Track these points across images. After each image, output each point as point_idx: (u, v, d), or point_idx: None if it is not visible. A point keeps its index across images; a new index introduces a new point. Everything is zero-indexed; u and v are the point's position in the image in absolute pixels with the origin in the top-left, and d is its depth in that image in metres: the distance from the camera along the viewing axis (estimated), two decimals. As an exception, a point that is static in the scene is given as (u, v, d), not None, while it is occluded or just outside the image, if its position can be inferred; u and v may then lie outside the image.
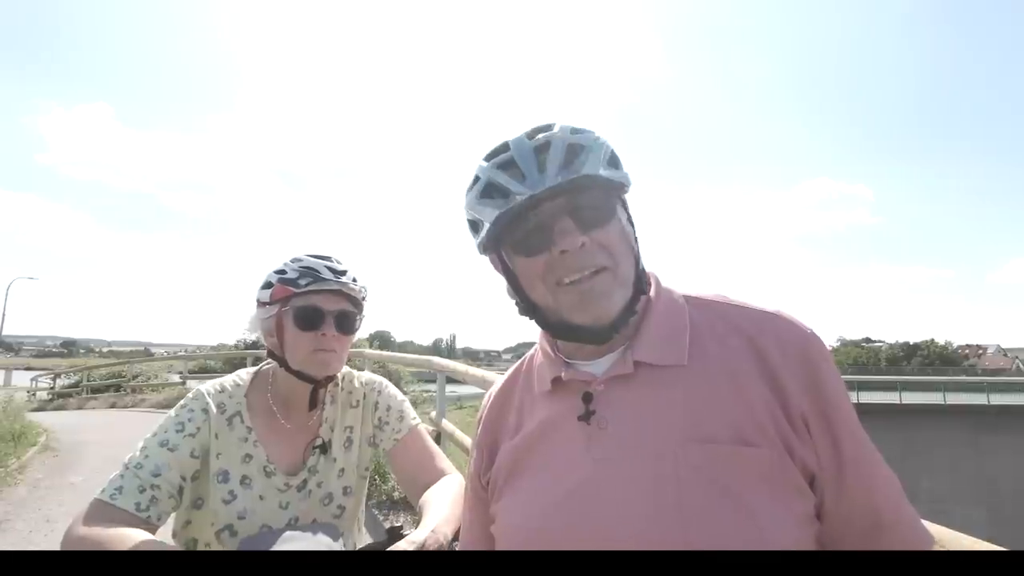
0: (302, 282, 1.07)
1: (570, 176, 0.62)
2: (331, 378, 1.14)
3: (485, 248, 0.71)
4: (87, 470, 6.01)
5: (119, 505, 0.95)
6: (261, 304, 1.11)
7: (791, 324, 0.65)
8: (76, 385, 15.87)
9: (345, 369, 1.23)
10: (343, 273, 1.11)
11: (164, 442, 1.02)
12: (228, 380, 1.14)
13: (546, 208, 0.64)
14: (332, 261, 1.12)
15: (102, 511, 0.94)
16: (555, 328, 0.68)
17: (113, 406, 12.70)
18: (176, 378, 14.62)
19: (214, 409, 1.08)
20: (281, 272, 1.10)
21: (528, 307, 0.69)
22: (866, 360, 65.47)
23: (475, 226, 0.70)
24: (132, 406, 12.24)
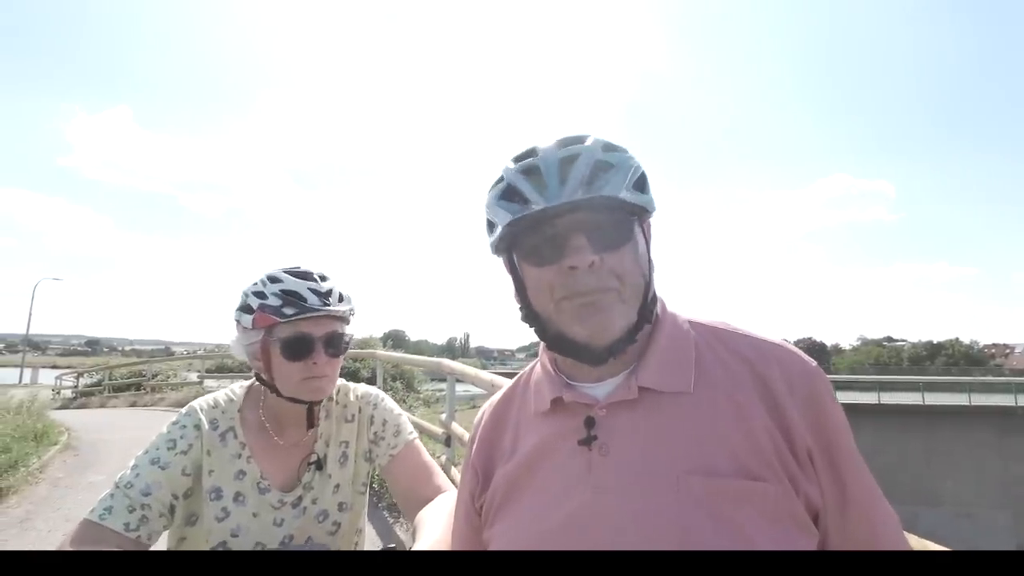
0: (288, 311, 1.02)
1: (590, 194, 0.61)
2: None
3: (497, 250, 0.70)
4: (107, 469, 6.12)
5: (108, 525, 0.93)
6: (243, 329, 1.06)
7: (797, 357, 0.64)
8: (98, 384, 16.23)
9: (341, 382, 1.20)
10: (328, 294, 1.06)
11: (155, 460, 1.01)
12: (221, 395, 1.12)
13: (562, 222, 0.62)
14: (314, 280, 1.06)
15: (91, 532, 0.93)
16: (552, 340, 0.67)
17: (133, 405, 12.97)
18: (194, 377, 14.85)
19: (206, 425, 1.06)
20: (261, 296, 1.03)
21: (530, 315, 0.68)
22: (888, 360, 64.23)
23: (491, 226, 0.69)
24: (151, 405, 12.50)
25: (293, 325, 1.03)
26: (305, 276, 1.06)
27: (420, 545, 0.89)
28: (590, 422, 0.63)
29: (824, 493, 0.58)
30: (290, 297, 1.03)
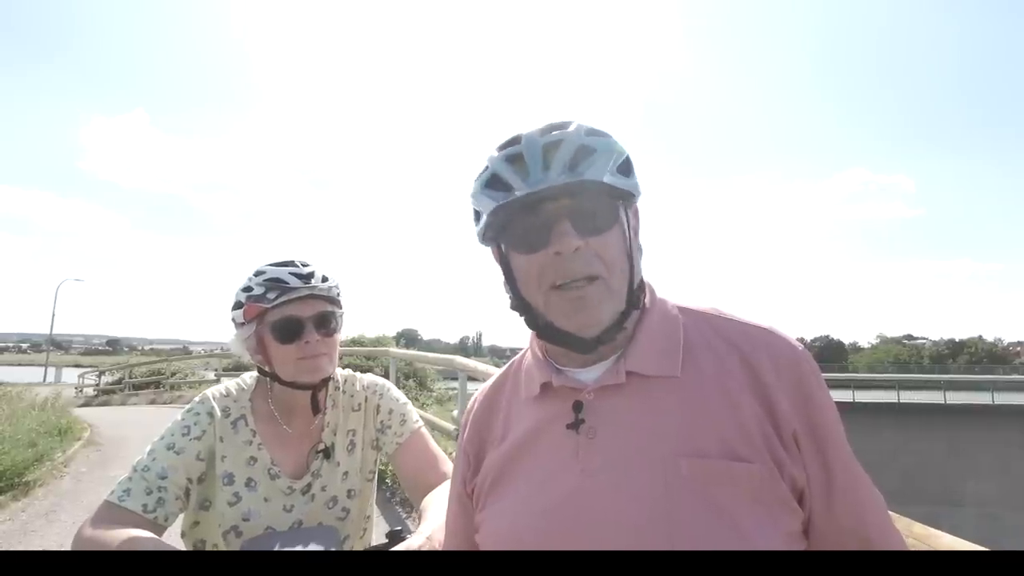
0: (271, 296, 1.05)
1: (572, 179, 0.61)
2: (327, 380, 1.13)
3: (484, 239, 0.70)
4: (127, 464, 6.22)
5: (127, 506, 0.97)
6: (237, 325, 1.10)
7: (785, 342, 0.64)
8: (119, 382, 16.61)
9: (347, 372, 1.23)
10: (310, 276, 1.08)
11: (171, 445, 1.04)
12: (233, 384, 1.15)
13: (546, 208, 0.62)
14: (296, 266, 1.09)
15: (111, 512, 0.96)
16: (541, 330, 0.67)
17: (153, 402, 13.25)
18: (212, 375, 15.11)
19: (219, 413, 1.09)
20: (247, 289, 1.07)
21: (520, 304, 0.68)
22: (908, 358, 62.99)
23: (477, 216, 0.69)
24: (170, 402, 12.74)
25: (280, 309, 1.06)
26: (286, 264, 1.09)
27: (423, 530, 0.91)
28: (578, 406, 0.64)
29: (809, 475, 0.59)
30: (273, 283, 1.06)
